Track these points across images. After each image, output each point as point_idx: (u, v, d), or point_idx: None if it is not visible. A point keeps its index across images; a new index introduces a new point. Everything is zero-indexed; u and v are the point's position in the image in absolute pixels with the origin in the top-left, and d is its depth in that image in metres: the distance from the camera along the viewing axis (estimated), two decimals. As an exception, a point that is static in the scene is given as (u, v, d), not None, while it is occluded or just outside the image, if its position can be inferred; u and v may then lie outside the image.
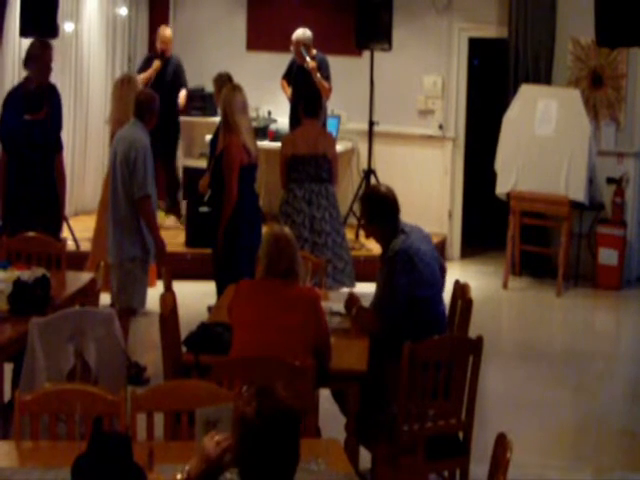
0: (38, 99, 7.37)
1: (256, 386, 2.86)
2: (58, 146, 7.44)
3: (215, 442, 2.97)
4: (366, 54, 10.04)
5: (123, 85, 7.56)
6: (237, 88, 7.18)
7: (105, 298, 7.11)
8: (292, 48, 9.48)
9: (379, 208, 5.16)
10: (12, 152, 7.28)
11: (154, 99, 6.81)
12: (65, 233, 8.47)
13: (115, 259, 6.62)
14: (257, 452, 2.77)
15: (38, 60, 7.80)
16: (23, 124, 7.25)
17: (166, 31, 10.33)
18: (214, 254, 7.43)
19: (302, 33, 9.42)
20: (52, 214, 7.44)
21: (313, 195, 7.68)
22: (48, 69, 7.78)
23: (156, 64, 10.09)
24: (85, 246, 8.90)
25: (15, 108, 7.72)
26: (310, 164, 7.68)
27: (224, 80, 8.20)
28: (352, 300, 5.27)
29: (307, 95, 8.15)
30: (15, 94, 7.91)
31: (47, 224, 7.17)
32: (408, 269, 5.00)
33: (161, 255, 6.69)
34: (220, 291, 6.99)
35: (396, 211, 5.16)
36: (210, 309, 7.66)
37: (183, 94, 10.33)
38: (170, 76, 10.15)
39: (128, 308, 6.60)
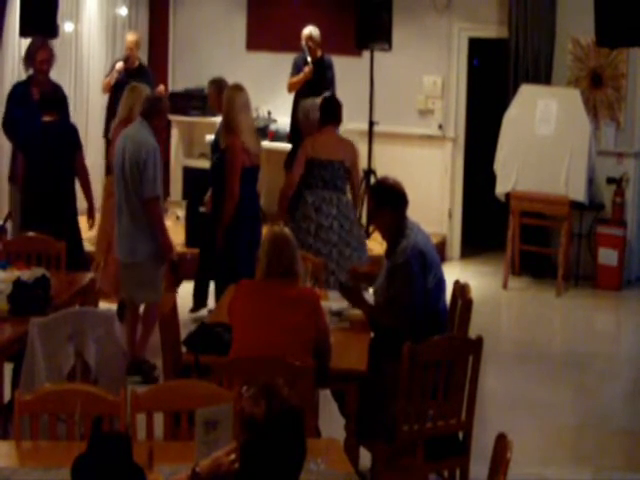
0: (54, 100, 7.35)
1: (259, 386, 2.85)
2: (78, 144, 7.41)
3: (229, 450, 2.99)
4: (366, 54, 10.04)
5: (128, 93, 7.51)
6: (239, 88, 7.15)
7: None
8: (303, 43, 9.54)
9: (385, 197, 5.24)
10: (31, 154, 7.26)
11: (161, 100, 6.82)
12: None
13: (132, 258, 6.67)
14: (267, 453, 2.76)
15: (29, 58, 7.92)
16: (41, 126, 7.24)
17: (130, 37, 10.18)
18: (202, 254, 7.49)
19: (314, 29, 9.53)
20: (68, 219, 7.42)
21: (324, 203, 7.40)
22: (41, 67, 7.86)
23: (119, 65, 9.84)
24: (85, 246, 8.88)
25: (30, 109, 7.75)
26: (326, 169, 7.40)
27: (218, 85, 8.17)
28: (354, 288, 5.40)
29: (327, 102, 7.91)
30: (23, 94, 7.94)
31: (63, 229, 7.13)
32: (422, 267, 5.09)
33: (167, 256, 6.72)
34: (219, 292, 6.98)
35: (405, 201, 5.25)
36: (209, 310, 7.69)
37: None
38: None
39: (154, 302, 6.63)
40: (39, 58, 8.02)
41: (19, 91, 8.13)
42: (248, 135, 7.01)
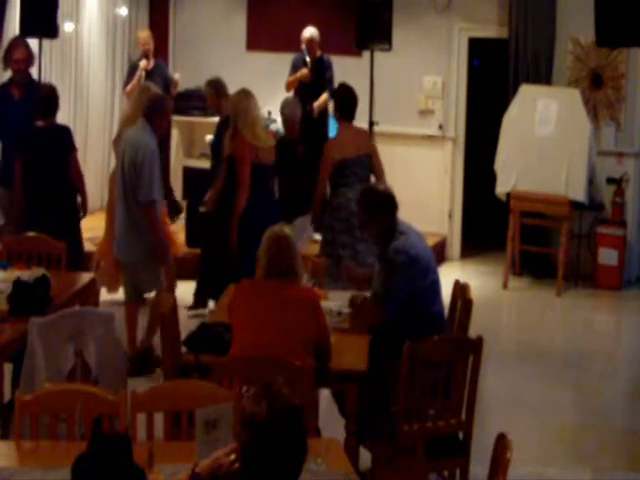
0: (50, 103, 7.33)
1: (260, 386, 2.85)
2: (72, 146, 7.39)
3: (229, 450, 2.99)
4: (366, 54, 10.03)
5: (138, 93, 7.45)
6: (248, 93, 7.27)
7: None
8: (304, 45, 9.56)
9: (379, 205, 5.22)
10: (28, 158, 7.24)
11: (163, 100, 6.81)
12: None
13: (129, 258, 6.76)
14: (269, 453, 2.76)
15: (6, 58, 7.97)
16: (36, 130, 7.22)
17: (143, 32, 10.15)
18: (203, 253, 7.51)
19: (315, 31, 9.52)
20: (67, 219, 7.42)
21: None
22: (15, 67, 7.90)
23: (143, 64, 9.86)
24: (86, 246, 8.88)
25: (10, 110, 7.75)
26: (357, 165, 7.50)
27: (215, 85, 8.16)
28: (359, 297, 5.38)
29: (343, 99, 7.86)
30: (5, 94, 7.95)
31: (62, 229, 7.12)
32: (409, 269, 5.07)
33: (162, 260, 6.75)
34: (220, 291, 6.97)
35: (395, 209, 5.24)
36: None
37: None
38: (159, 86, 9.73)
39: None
40: (14, 57, 8.01)
41: (1, 92, 8.13)
42: (259, 135, 7.15)
